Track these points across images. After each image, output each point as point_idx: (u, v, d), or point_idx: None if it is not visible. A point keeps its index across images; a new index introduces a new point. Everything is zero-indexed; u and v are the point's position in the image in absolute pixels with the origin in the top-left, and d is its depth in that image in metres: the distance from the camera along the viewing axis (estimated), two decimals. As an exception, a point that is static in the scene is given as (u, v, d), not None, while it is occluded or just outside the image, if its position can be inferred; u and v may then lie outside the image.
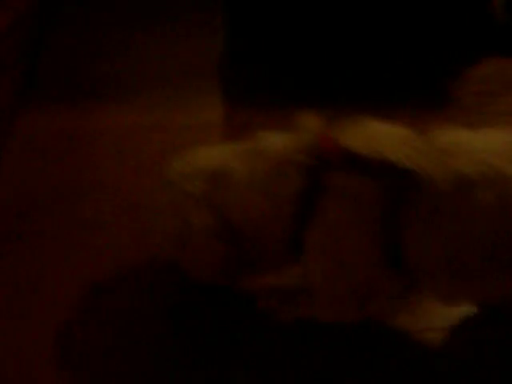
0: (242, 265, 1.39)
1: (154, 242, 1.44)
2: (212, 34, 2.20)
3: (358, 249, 1.28)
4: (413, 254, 1.25)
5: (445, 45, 2.06)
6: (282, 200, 1.30)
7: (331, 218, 1.27)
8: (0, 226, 1.64)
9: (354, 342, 1.41)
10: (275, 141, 1.32)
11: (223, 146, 1.38)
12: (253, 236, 1.35)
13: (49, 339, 1.39)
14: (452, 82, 1.89)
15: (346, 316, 1.38)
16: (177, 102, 1.97)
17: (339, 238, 1.28)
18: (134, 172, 1.73)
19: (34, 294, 1.50)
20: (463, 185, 1.19)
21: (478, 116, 1.76)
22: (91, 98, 1.98)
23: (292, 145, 1.30)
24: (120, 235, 1.60)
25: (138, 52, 2.15)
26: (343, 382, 1.33)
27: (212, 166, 1.35)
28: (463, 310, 1.42)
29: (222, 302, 1.45)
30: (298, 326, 1.41)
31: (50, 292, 1.51)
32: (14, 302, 1.48)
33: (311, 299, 1.41)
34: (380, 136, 1.29)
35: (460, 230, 1.21)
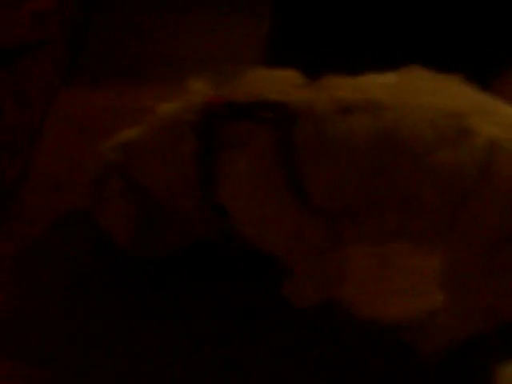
0: (157, 229, 1.44)
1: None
2: (258, 20, 2.20)
3: (278, 201, 1.27)
4: (314, 190, 1.25)
5: (487, 47, 2.04)
6: (181, 160, 1.32)
7: (236, 173, 1.28)
8: (37, 200, 1.68)
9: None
10: (167, 106, 1.36)
11: None
12: (164, 199, 1.39)
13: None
14: (494, 83, 1.88)
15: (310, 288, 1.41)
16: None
17: (257, 196, 1.29)
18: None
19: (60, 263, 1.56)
20: (342, 110, 1.20)
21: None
22: (134, 78, 2.00)
23: (180, 106, 1.33)
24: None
25: (184, 35, 2.15)
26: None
27: (129, 137, 1.43)
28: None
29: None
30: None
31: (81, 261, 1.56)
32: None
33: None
34: (259, 80, 1.31)
35: (344, 157, 1.21)
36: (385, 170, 1.20)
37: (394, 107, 1.19)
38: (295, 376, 1.39)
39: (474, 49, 2.02)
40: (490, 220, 1.14)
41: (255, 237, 1.38)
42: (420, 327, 1.41)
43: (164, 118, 1.36)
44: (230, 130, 1.28)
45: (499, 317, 1.27)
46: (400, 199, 1.21)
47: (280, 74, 1.33)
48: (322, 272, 1.38)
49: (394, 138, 1.18)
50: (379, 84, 1.24)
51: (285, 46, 2.12)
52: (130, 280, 1.52)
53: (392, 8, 2.06)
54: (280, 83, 1.29)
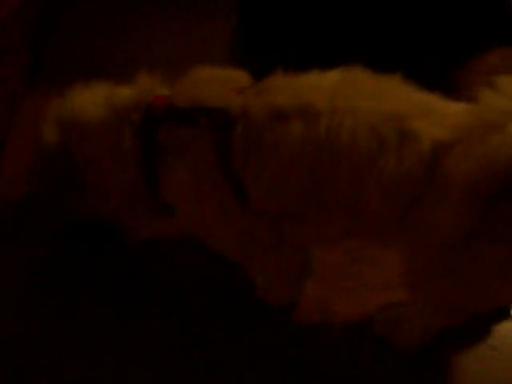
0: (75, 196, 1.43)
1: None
2: (225, 21, 2.18)
3: (220, 204, 1.28)
4: (252, 195, 1.25)
5: (451, 35, 2.05)
6: (122, 158, 1.32)
7: (177, 178, 1.28)
8: (4, 208, 1.66)
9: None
10: (119, 93, 1.36)
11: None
12: (97, 182, 1.39)
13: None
14: (458, 72, 1.89)
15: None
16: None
17: (200, 201, 1.29)
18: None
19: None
20: (279, 116, 1.19)
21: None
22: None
23: (127, 100, 1.33)
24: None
25: (150, 36, 2.13)
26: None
27: (75, 108, 1.39)
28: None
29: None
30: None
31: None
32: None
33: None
34: (202, 82, 1.30)
35: (279, 164, 1.20)
36: (325, 178, 1.19)
37: (332, 113, 1.17)
38: (278, 376, 1.40)
39: (437, 37, 2.03)
40: (445, 221, 1.12)
41: (204, 238, 1.40)
42: (393, 322, 1.41)
43: (113, 109, 1.34)
44: (170, 135, 1.28)
45: (466, 311, 1.28)
46: (345, 205, 1.20)
47: (224, 76, 1.33)
48: (279, 267, 1.37)
49: (333, 145, 1.16)
50: (319, 87, 1.22)
51: (251, 43, 2.11)
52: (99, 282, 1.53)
53: (356, 5, 2.07)
54: (222, 86, 1.29)
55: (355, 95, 1.19)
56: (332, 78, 1.23)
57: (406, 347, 1.40)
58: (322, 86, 1.22)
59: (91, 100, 1.39)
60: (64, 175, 1.40)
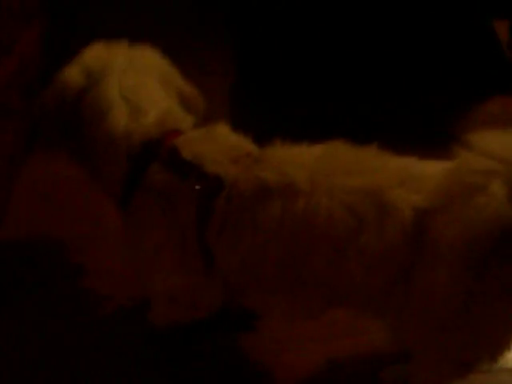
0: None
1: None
2: (223, 69, 2.20)
3: (172, 254, 1.30)
4: (221, 263, 1.27)
5: (449, 84, 2.06)
6: (113, 171, 1.35)
7: (140, 214, 1.32)
8: (5, 272, 1.65)
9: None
10: (145, 115, 1.34)
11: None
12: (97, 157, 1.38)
13: None
14: (457, 120, 1.89)
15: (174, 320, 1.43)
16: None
17: (162, 244, 1.30)
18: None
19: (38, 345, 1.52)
20: (261, 192, 1.21)
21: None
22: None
23: (146, 128, 1.32)
24: (121, 282, 1.62)
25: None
26: None
27: (104, 87, 1.36)
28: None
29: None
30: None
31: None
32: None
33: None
34: (212, 142, 1.31)
35: (255, 240, 1.21)
36: (303, 257, 1.19)
37: (311, 192, 1.17)
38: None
39: (432, 86, 2.04)
40: (441, 286, 1.10)
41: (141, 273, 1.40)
42: (400, 381, 1.38)
43: (128, 129, 1.33)
44: (159, 177, 1.29)
45: (468, 366, 1.25)
46: (325, 280, 1.20)
47: (231, 142, 1.33)
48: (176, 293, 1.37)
49: (310, 224, 1.17)
50: (302, 164, 1.22)
51: (248, 97, 2.13)
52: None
53: (351, 56, 2.09)
54: (228, 152, 1.30)
55: (334, 172, 1.19)
56: (315, 153, 1.25)
57: None
58: (304, 163, 1.23)
59: (120, 90, 1.36)
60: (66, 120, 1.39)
